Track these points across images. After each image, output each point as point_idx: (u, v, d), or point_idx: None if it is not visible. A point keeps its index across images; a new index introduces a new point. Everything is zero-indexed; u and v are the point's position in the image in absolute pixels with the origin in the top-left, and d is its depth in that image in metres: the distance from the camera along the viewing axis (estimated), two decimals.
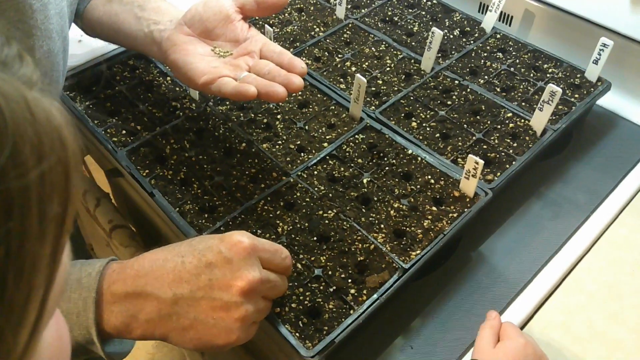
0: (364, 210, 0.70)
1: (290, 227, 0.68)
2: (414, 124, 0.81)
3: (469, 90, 0.85)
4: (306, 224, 0.69)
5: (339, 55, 0.92)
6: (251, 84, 0.60)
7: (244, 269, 0.50)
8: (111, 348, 0.52)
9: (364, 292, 0.62)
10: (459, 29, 0.97)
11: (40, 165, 0.23)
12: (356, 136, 0.79)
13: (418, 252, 0.65)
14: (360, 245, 0.66)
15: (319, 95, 0.85)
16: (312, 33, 0.97)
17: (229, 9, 0.66)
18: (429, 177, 0.74)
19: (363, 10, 1.01)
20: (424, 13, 1.00)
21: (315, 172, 0.75)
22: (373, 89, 0.86)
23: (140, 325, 0.49)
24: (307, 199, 0.71)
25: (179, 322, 0.49)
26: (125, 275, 0.50)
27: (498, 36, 0.95)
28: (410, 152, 0.76)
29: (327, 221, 0.69)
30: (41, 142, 0.23)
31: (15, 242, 0.22)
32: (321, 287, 0.63)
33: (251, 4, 0.66)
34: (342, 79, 0.88)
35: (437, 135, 0.79)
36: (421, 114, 0.82)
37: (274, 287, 0.54)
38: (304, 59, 0.91)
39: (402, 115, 0.82)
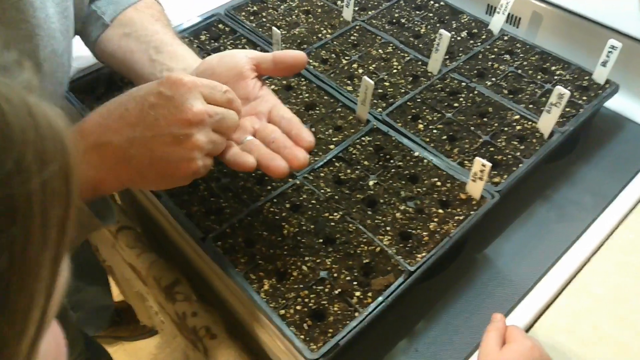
0: (369, 212, 0.70)
1: (296, 230, 0.69)
2: (420, 126, 0.81)
3: (476, 92, 0.85)
4: (312, 226, 0.69)
5: (346, 57, 0.92)
6: (253, 152, 0.58)
7: (186, 102, 0.50)
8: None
9: (369, 294, 0.62)
10: (466, 31, 0.96)
11: (43, 171, 0.23)
12: (363, 138, 0.79)
13: (424, 254, 0.65)
14: (365, 247, 0.66)
15: (325, 97, 0.85)
16: (320, 35, 0.97)
17: (244, 66, 0.63)
18: (436, 179, 0.73)
19: (370, 12, 1.01)
20: (431, 15, 1.00)
21: (322, 174, 0.75)
22: (380, 90, 0.86)
23: (109, 175, 0.52)
24: (313, 201, 0.72)
25: (138, 163, 0.51)
26: (76, 129, 0.52)
27: (505, 38, 0.94)
28: (416, 154, 0.76)
29: (332, 223, 0.69)
30: (44, 148, 0.24)
31: (18, 248, 0.22)
32: (326, 290, 0.63)
33: (268, 63, 0.63)
34: (349, 81, 0.88)
35: (444, 137, 0.79)
36: (428, 116, 0.82)
37: (222, 119, 0.53)
38: (311, 60, 0.91)
39: (409, 117, 0.82)
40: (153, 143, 0.50)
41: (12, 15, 0.54)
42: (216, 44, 0.96)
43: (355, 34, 0.97)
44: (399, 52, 0.93)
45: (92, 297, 1.34)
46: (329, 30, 0.98)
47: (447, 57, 0.91)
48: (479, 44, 0.94)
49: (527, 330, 0.67)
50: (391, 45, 0.94)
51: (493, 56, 0.91)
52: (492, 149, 0.77)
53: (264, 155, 0.58)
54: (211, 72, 0.65)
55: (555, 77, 0.87)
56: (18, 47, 0.55)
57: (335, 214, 0.70)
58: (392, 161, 0.76)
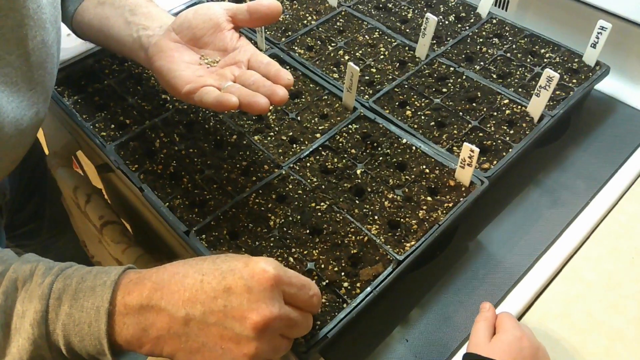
0: (357, 201, 0.69)
1: (283, 220, 0.67)
2: (408, 112, 0.79)
3: (464, 77, 0.84)
4: (298, 217, 0.67)
5: (332, 44, 0.90)
6: (234, 94, 0.58)
7: (262, 301, 0.46)
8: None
9: (358, 285, 0.61)
10: (454, 15, 0.95)
11: None
12: (349, 126, 0.77)
13: (413, 243, 0.64)
14: (353, 237, 0.65)
15: (311, 85, 0.84)
16: (305, 22, 0.95)
17: (220, 18, 0.64)
18: (424, 166, 0.72)
19: None
20: None
21: (308, 164, 0.73)
22: (367, 77, 0.85)
23: (150, 340, 0.47)
24: (300, 191, 0.70)
25: (188, 344, 0.46)
26: (142, 286, 0.48)
27: (494, 21, 0.93)
28: (404, 141, 0.75)
29: (319, 213, 0.68)
30: None
31: None
32: (314, 281, 0.62)
33: (243, 14, 0.64)
34: (335, 68, 0.86)
35: (432, 123, 0.78)
36: (416, 102, 0.81)
37: (295, 325, 0.49)
38: (296, 48, 0.90)
39: (397, 104, 0.81)
40: (211, 331, 0.46)
41: (2, 4, 0.53)
42: None
43: (341, 20, 0.95)
44: (385, 37, 0.91)
45: None
46: (314, 17, 0.96)
47: (434, 41, 0.89)
48: (467, 27, 0.92)
49: (520, 317, 0.66)
50: (378, 30, 0.92)
51: (481, 40, 0.90)
52: (481, 134, 0.76)
53: (245, 94, 0.58)
54: (188, 25, 0.64)
55: (545, 60, 0.85)
56: (6, 36, 0.54)
57: (322, 203, 0.68)
58: (379, 149, 0.74)
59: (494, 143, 0.74)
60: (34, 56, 0.59)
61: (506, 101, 0.79)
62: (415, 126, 0.77)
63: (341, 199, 0.69)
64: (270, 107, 0.79)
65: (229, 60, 0.64)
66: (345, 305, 0.60)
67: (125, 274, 0.49)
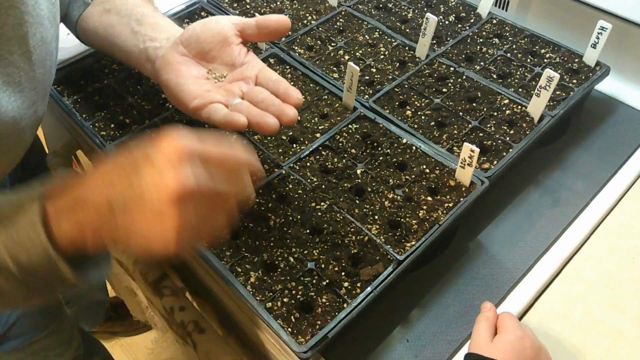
0: (357, 201, 0.69)
1: (283, 220, 0.67)
2: (408, 112, 0.79)
3: (464, 77, 0.84)
4: (299, 217, 0.67)
5: (332, 44, 0.90)
6: (242, 112, 0.57)
7: (177, 171, 0.43)
8: (86, 275, 0.49)
9: (358, 285, 0.61)
10: (454, 15, 0.95)
11: None
12: (350, 126, 0.77)
13: (413, 243, 0.64)
14: (354, 237, 0.65)
15: (311, 85, 0.84)
16: (305, 21, 0.95)
17: (228, 32, 0.63)
18: (424, 166, 0.72)
19: None
20: None
21: (308, 164, 0.73)
22: (367, 77, 0.85)
23: (89, 234, 0.46)
24: (300, 191, 0.70)
25: (118, 229, 0.45)
26: (63, 185, 0.47)
27: (494, 21, 0.93)
28: (404, 141, 0.75)
29: (320, 213, 0.67)
30: None
31: None
32: (314, 281, 0.62)
33: (252, 28, 0.63)
34: (335, 68, 0.86)
35: (432, 123, 0.78)
36: (416, 102, 0.81)
37: (223, 194, 0.46)
38: (296, 47, 0.89)
39: (397, 103, 0.81)
40: (133, 211, 0.44)
41: (1, 1, 0.52)
42: None
43: (341, 20, 0.95)
44: (385, 37, 0.91)
45: (87, 292, 1.33)
46: (314, 16, 0.96)
47: (434, 41, 0.89)
48: (467, 27, 0.92)
49: (521, 317, 0.66)
50: (378, 30, 0.92)
51: (482, 40, 0.90)
52: (481, 134, 0.76)
53: (254, 113, 0.57)
54: (196, 38, 0.64)
55: (545, 60, 0.85)
56: (8, 35, 0.54)
57: (323, 203, 0.68)
58: (379, 149, 0.74)
59: (494, 143, 0.74)
60: (35, 54, 0.59)
61: (506, 101, 0.79)
62: (416, 126, 0.77)
63: (341, 199, 0.69)
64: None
65: (236, 75, 0.63)
66: (345, 305, 0.59)
67: (45, 185, 0.48)
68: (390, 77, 0.84)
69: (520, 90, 0.81)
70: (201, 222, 0.45)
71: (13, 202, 0.48)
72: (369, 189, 0.70)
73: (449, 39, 0.90)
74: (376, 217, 0.67)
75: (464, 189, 0.69)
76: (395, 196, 0.69)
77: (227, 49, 0.63)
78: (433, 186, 0.70)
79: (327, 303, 0.60)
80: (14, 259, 0.46)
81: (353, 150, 0.74)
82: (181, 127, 0.46)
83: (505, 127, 0.76)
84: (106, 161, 0.48)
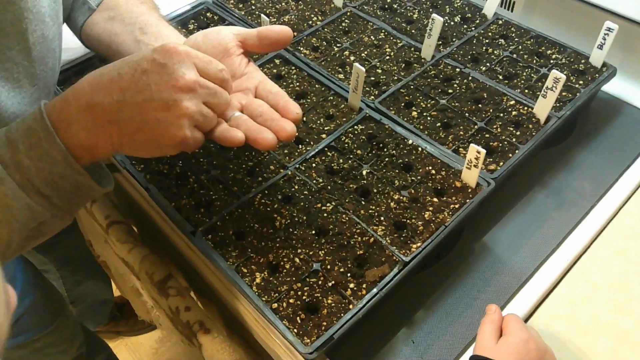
0: (363, 202, 0.69)
1: (288, 221, 0.67)
2: (414, 113, 0.79)
3: (470, 78, 0.83)
4: (304, 218, 0.67)
5: (338, 45, 0.90)
6: (241, 127, 0.57)
7: (179, 70, 0.50)
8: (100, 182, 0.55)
9: (364, 286, 0.61)
10: (459, 16, 0.94)
11: None
12: (355, 127, 0.77)
13: (419, 244, 0.64)
14: (359, 238, 0.65)
15: (317, 86, 0.84)
16: (310, 22, 0.95)
17: (229, 43, 0.62)
18: (430, 167, 0.72)
19: None
20: (423, 0, 0.98)
21: (314, 165, 0.73)
22: (372, 78, 0.85)
23: (98, 137, 0.51)
24: (305, 192, 0.70)
25: (127, 126, 0.51)
26: (67, 98, 0.52)
27: (500, 22, 0.93)
28: (410, 142, 0.75)
29: (325, 214, 0.67)
30: None
31: None
32: (320, 282, 0.62)
33: (253, 39, 0.62)
34: (340, 69, 0.86)
35: (438, 124, 0.78)
36: (422, 103, 0.80)
37: (214, 94, 0.53)
38: (302, 48, 0.90)
39: (402, 104, 0.81)
40: (142, 107, 0.50)
41: None
42: None
43: (346, 21, 0.95)
44: (391, 38, 0.91)
45: (92, 291, 1.33)
46: (320, 17, 0.96)
47: (440, 42, 0.89)
48: (473, 28, 0.92)
49: (526, 319, 0.66)
50: (383, 31, 0.92)
51: (487, 41, 0.89)
52: (487, 135, 0.76)
53: (252, 128, 0.57)
54: (196, 49, 0.63)
55: (551, 61, 0.85)
56: (6, 30, 0.54)
57: (328, 204, 0.68)
58: (385, 150, 0.74)
59: (500, 144, 0.74)
60: (35, 51, 0.59)
61: (512, 102, 0.79)
62: (421, 127, 0.77)
63: (347, 200, 0.69)
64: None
65: (236, 86, 0.62)
66: (351, 306, 0.59)
67: (45, 103, 0.52)
68: (395, 78, 0.84)
69: (526, 91, 0.81)
70: (199, 113, 0.52)
71: (17, 127, 0.52)
72: (375, 190, 0.70)
73: (454, 39, 0.90)
74: (382, 218, 0.67)
75: (470, 190, 0.69)
76: (401, 197, 0.69)
77: (227, 59, 0.62)
78: (439, 187, 0.70)
79: (333, 304, 0.60)
80: (40, 177, 0.50)
81: (359, 151, 0.74)
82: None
83: (512, 128, 0.76)
84: (106, 67, 0.53)
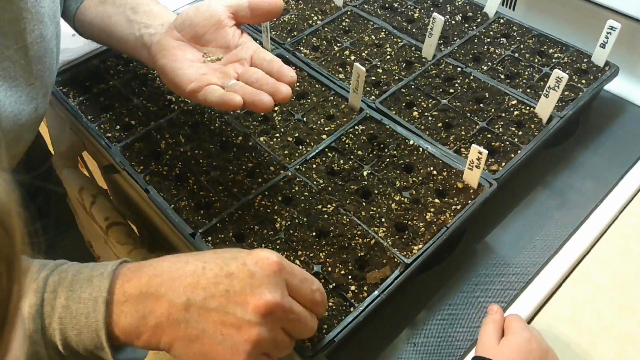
0: (364, 203, 0.68)
1: (289, 223, 0.67)
2: (415, 113, 0.78)
3: (472, 77, 0.83)
4: (305, 219, 0.67)
5: (338, 44, 0.90)
6: (237, 92, 0.58)
7: (265, 286, 0.45)
8: (122, 356, 0.48)
9: (365, 288, 0.60)
10: (460, 14, 0.94)
11: None
12: (356, 127, 0.77)
13: (420, 246, 0.63)
14: (360, 240, 0.64)
15: (317, 86, 0.83)
16: (310, 22, 0.94)
17: (221, 15, 0.64)
18: (431, 168, 0.71)
19: None
20: None
21: (314, 165, 0.73)
22: (373, 78, 0.84)
23: (149, 329, 0.45)
24: (306, 193, 0.69)
25: (187, 331, 0.45)
26: (141, 274, 0.47)
27: (501, 21, 0.92)
28: (411, 142, 0.74)
29: (326, 216, 0.67)
30: None
31: None
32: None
33: (244, 11, 0.63)
34: (341, 69, 0.86)
35: (440, 124, 0.77)
36: (423, 103, 0.80)
37: (298, 320, 0.47)
38: (302, 48, 0.89)
39: (403, 104, 0.80)
40: (212, 316, 0.44)
41: None
42: None
43: (346, 20, 0.94)
44: (392, 37, 0.90)
45: None
46: (320, 17, 0.95)
47: (441, 41, 0.88)
48: (474, 27, 0.91)
49: (529, 321, 0.65)
50: (384, 30, 0.92)
51: (489, 40, 0.89)
52: (489, 135, 0.75)
53: (249, 92, 0.58)
54: (189, 22, 0.64)
55: (553, 60, 0.85)
56: (4, 29, 0.54)
57: (329, 205, 0.68)
58: (386, 150, 0.74)
59: (502, 144, 0.74)
60: (33, 50, 0.59)
61: (514, 102, 0.79)
62: (422, 127, 0.77)
63: (348, 201, 0.68)
64: (276, 108, 0.79)
65: (231, 57, 0.64)
66: (352, 308, 0.59)
67: (123, 264, 0.49)
68: (396, 77, 0.84)
69: (528, 90, 0.80)
70: (273, 340, 0.46)
71: (82, 272, 0.47)
72: (376, 191, 0.69)
73: (455, 39, 0.89)
74: (383, 219, 0.66)
75: (471, 191, 0.68)
76: (402, 198, 0.68)
77: (221, 31, 0.64)
78: (440, 188, 0.69)
79: (334, 307, 0.59)
80: (63, 335, 0.45)
81: (359, 152, 0.74)
82: (273, 251, 0.47)
83: (514, 128, 0.76)
84: (197, 258, 0.47)
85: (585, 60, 0.84)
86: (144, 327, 0.45)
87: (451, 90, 0.81)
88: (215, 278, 0.45)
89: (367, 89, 0.82)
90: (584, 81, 0.81)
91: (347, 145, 0.75)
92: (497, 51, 0.87)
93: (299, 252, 0.64)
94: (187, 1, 1.00)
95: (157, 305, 0.45)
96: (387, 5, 0.97)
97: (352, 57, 0.87)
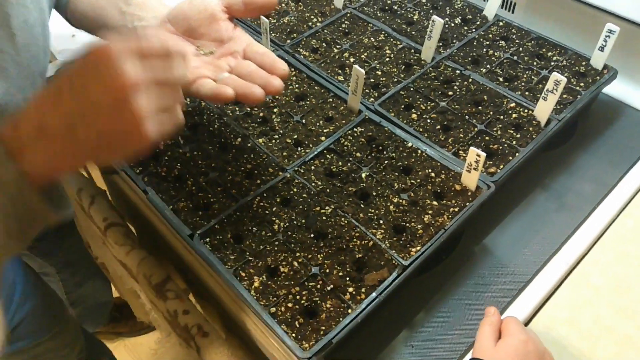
0: (362, 205, 0.68)
1: (287, 224, 0.67)
2: (414, 115, 0.79)
3: (470, 80, 0.83)
4: (303, 221, 0.67)
5: (337, 46, 0.90)
6: (229, 85, 0.58)
7: (115, 67, 0.44)
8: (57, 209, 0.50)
9: (363, 290, 0.61)
10: (460, 17, 0.94)
11: None
12: (354, 129, 0.77)
13: (418, 248, 0.63)
14: (358, 242, 0.65)
15: (316, 88, 0.83)
16: (310, 24, 0.94)
17: (215, 8, 0.64)
18: (430, 170, 0.71)
19: (362, 0, 0.99)
20: (424, 1, 0.98)
21: (313, 167, 0.73)
22: (372, 80, 0.84)
23: (57, 158, 0.47)
24: (304, 195, 0.70)
25: (86, 142, 0.46)
26: (17, 123, 0.47)
27: (501, 24, 0.92)
28: (410, 144, 0.74)
29: (324, 217, 0.67)
30: None
31: None
32: (318, 286, 0.61)
33: (238, 4, 0.64)
34: (340, 71, 0.86)
35: (438, 127, 0.77)
36: (421, 106, 0.80)
37: (162, 72, 0.48)
38: (301, 50, 0.89)
39: (402, 106, 0.80)
40: (93, 118, 0.46)
41: None
42: None
43: (346, 22, 0.94)
44: (391, 40, 0.91)
45: (92, 292, 1.33)
46: (320, 19, 0.95)
47: (440, 44, 0.88)
48: (474, 30, 0.91)
49: (527, 323, 0.65)
50: (383, 33, 0.92)
51: (488, 43, 0.89)
52: (487, 138, 0.75)
53: (240, 85, 0.58)
54: (183, 16, 0.65)
55: (552, 63, 0.85)
56: None
57: (327, 207, 0.68)
58: (384, 152, 0.74)
59: (501, 147, 0.74)
60: (19, 37, 0.58)
61: (513, 105, 0.79)
62: (421, 129, 0.77)
63: (346, 203, 0.68)
64: (275, 109, 0.79)
65: (224, 50, 0.64)
66: (350, 310, 0.59)
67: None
68: (395, 79, 0.84)
69: (527, 93, 0.81)
70: (156, 110, 0.47)
71: None
72: (374, 193, 0.70)
73: (455, 41, 0.90)
74: (381, 221, 0.66)
75: (469, 193, 0.68)
76: (401, 200, 0.68)
77: (214, 25, 0.64)
78: (438, 190, 0.69)
79: (332, 308, 0.59)
80: None
81: (358, 154, 0.74)
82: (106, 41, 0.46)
83: (512, 131, 0.76)
84: (47, 86, 0.48)
85: (583, 63, 0.84)
86: (52, 158, 0.47)
87: (450, 93, 0.81)
88: (73, 88, 0.45)
89: (366, 91, 0.82)
90: (582, 84, 0.81)
91: (345, 147, 0.75)
92: (496, 54, 0.87)
93: (297, 254, 0.64)
94: None
95: (48, 137, 0.46)
96: (386, 7, 0.97)
97: (352, 59, 0.87)
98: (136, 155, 0.49)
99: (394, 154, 0.73)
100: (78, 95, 0.46)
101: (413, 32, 0.91)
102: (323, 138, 0.76)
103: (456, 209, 0.67)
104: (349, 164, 0.73)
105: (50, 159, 0.47)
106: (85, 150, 0.47)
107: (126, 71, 0.45)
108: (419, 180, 0.70)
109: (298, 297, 0.60)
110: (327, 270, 0.62)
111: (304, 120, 0.78)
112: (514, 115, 0.78)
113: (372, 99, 0.81)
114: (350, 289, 0.61)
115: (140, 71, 0.46)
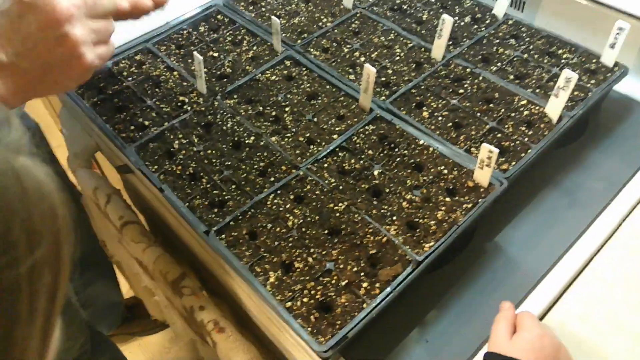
0: (375, 202, 0.69)
1: (301, 221, 0.67)
2: (425, 113, 0.79)
3: (481, 78, 0.83)
4: (317, 217, 0.68)
5: (348, 46, 0.91)
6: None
7: (48, 2, 0.50)
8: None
9: (377, 285, 0.61)
10: (469, 16, 0.94)
11: (32, 253, 0.22)
12: (366, 127, 0.77)
13: (432, 244, 0.64)
14: (372, 238, 0.65)
15: (327, 87, 0.84)
16: (320, 24, 0.95)
17: None
18: (442, 167, 0.72)
19: (371, 0, 0.99)
20: (433, 0, 0.98)
21: (325, 165, 0.74)
22: (383, 79, 0.85)
23: (8, 92, 0.50)
24: (317, 192, 0.70)
25: (33, 73, 0.51)
26: None
27: (510, 22, 0.92)
28: (422, 142, 0.75)
29: (338, 214, 0.68)
30: (32, 222, 0.22)
31: (2, 331, 0.21)
32: (333, 281, 0.62)
33: None
34: (351, 70, 0.87)
35: (450, 124, 0.78)
36: (432, 104, 0.81)
37: (94, 4, 0.53)
38: (312, 50, 0.90)
39: (413, 105, 0.81)
40: (36, 51, 0.50)
41: None
42: (215, 35, 0.94)
43: (356, 22, 0.95)
44: (401, 39, 0.91)
45: (101, 292, 1.34)
46: (330, 19, 0.96)
47: (450, 43, 0.89)
48: (483, 28, 0.92)
49: (540, 319, 0.65)
50: (393, 32, 0.92)
51: (498, 41, 0.89)
52: (499, 135, 0.76)
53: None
54: None
55: (563, 61, 0.85)
56: None
57: (340, 204, 0.69)
58: (396, 150, 0.74)
59: (512, 144, 0.74)
60: None
61: (524, 102, 0.79)
62: (432, 127, 0.77)
63: (359, 200, 0.69)
64: (287, 108, 0.79)
65: None
66: (364, 305, 0.60)
67: None
68: (406, 78, 0.85)
69: (537, 91, 0.81)
70: (92, 32, 0.53)
71: None
72: (387, 190, 0.70)
73: (464, 40, 0.90)
74: (394, 217, 0.67)
75: (482, 189, 0.69)
76: (413, 197, 0.69)
77: None
78: (451, 187, 0.70)
79: (347, 303, 0.60)
80: None
81: (370, 152, 0.75)
82: None
83: (523, 128, 0.76)
84: None
85: (594, 60, 0.84)
86: (5, 92, 0.50)
87: (461, 91, 0.82)
88: (12, 26, 0.50)
89: (377, 89, 0.83)
90: (593, 81, 0.81)
91: (357, 145, 0.75)
92: (506, 52, 0.87)
93: (312, 250, 0.65)
94: (195, 5, 1.01)
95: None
96: (396, 7, 0.98)
97: (362, 59, 0.88)
98: (79, 83, 0.56)
99: (406, 152, 0.74)
100: (19, 31, 0.50)
101: (423, 31, 0.92)
102: (335, 136, 0.77)
103: (469, 205, 0.67)
104: (361, 162, 0.73)
105: (9, 90, 0.50)
106: (33, 80, 0.52)
107: (59, 3, 0.50)
108: (431, 177, 0.71)
109: (313, 292, 0.61)
110: (342, 266, 0.63)
111: (315, 119, 0.79)
112: (525, 113, 0.78)
113: (383, 98, 0.81)
114: (365, 284, 0.61)
115: (73, 4, 0.51)
